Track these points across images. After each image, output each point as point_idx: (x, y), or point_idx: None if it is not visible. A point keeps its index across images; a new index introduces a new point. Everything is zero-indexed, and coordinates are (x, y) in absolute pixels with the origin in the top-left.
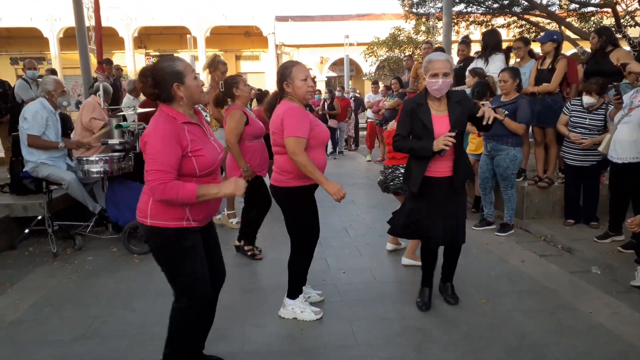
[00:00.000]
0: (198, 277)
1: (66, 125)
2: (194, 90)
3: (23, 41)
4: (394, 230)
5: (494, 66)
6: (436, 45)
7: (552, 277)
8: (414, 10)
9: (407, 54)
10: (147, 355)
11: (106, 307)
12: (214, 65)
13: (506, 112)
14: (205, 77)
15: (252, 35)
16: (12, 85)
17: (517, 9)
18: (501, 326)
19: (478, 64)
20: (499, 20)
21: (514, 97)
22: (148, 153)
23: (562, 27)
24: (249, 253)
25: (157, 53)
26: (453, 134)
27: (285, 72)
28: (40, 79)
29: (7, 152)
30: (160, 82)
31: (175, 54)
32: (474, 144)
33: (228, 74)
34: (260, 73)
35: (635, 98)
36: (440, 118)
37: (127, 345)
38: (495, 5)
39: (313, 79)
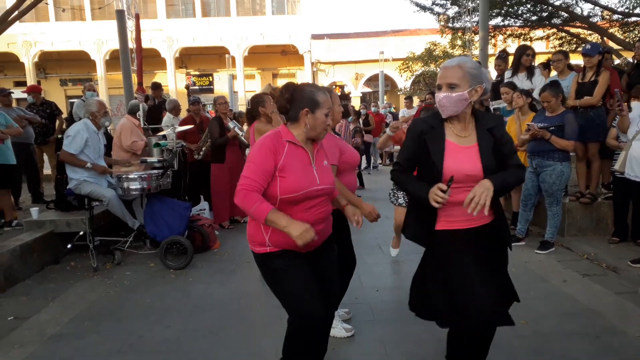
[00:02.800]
0: (297, 297)
1: (111, 144)
2: (319, 124)
3: (72, 63)
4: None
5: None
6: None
7: (597, 298)
8: (450, 24)
9: None
10: None
11: (142, 322)
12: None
13: (551, 128)
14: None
15: (288, 54)
16: (58, 107)
17: (557, 21)
18: (543, 350)
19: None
20: (538, 33)
21: (560, 112)
22: (247, 161)
23: (605, 38)
24: None
25: (197, 73)
26: (444, 187)
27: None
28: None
29: (54, 170)
30: (295, 101)
31: (215, 73)
32: None
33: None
34: None
35: None
36: (463, 149)
37: None
38: (534, 18)
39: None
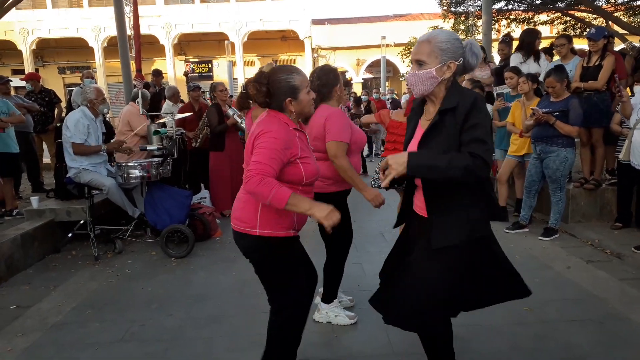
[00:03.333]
0: (303, 288)
1: (111, 132)
2: (304, 105)
3: (70, 51)
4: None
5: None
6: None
7: (601, 284)
8: (453, 9)
9: None
10: None
11: (144, 311)
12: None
13: (556, 114)
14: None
15: (288, 40)
16: (57, 95)
17: (561, 5)
18: (546, 336)
19: (515, 61)
20: (542, 17)
21: (565, 97)
22: (259, 147)
23: (610, 22)
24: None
25: (196, 59)
26: (378, 169)
27: (337, 75)
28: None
29: (53, 158)
30: (274, 94)
31: (214, 60)
32: (516, 145)
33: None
34: None
35: None
36: (420, 132)
37: (164, 349)
38: (538, 2)
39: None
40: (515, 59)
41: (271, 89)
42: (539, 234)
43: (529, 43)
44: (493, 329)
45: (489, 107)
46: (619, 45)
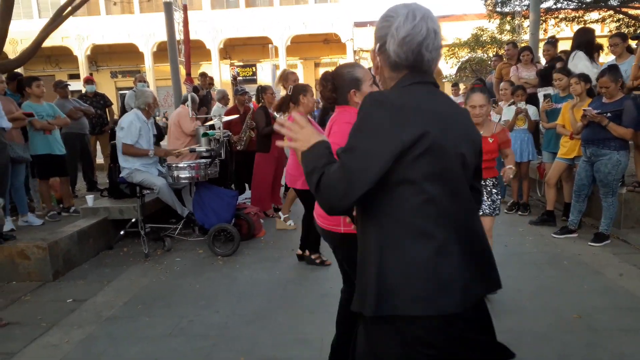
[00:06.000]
0: None
1: (161, 134)
2: None
3: (121, 56)
4: None
5: (579, 66)
6: (522, 45)
7: None
8: (498, 9)
9: (492, 54)
10: (229, 356)
11: (192, 307)
12: (285, 78)
13: (608, 115)
14: (281, 92)
15: (330, 42)
16: (109, 98)
17: (614, 2)
18: (597, 345)
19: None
20: (593, 15)
21: (618, 98)
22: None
23: None
24: (318, 261)
25: (241, 63)
26: None
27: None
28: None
29: (107, 159)
30: (339, 87)
31: (258, 64)
32: (566, 147)
33: (308, 81)
34: None
35: None
36: None
37: (211, 345)
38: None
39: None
40: (582, 58)
41: (336, 83)
42: (588, 239)
43: (587, 41)
44: (540, 336)
45: (534, 108)
46: None
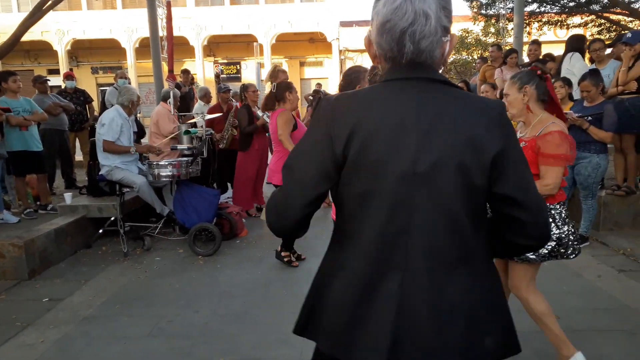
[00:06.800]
0: None
1: (142, 130)
2: None
3: (103, 51)
4: None
5: (576, 67)
6: (506, 48)
7: (633, 294)
8: (483, 11)
9: (476, 56)
10: (209, 356)
11: (172, 307)
12: (275, 75)
13: (589, 118)
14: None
15: (316, 42)
16: (89, 94)
17: (596, 7)
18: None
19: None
20: (575, 20)
21: (599, 102)
22: None
23: None
24: (286, 259)
25: (225, 61)
26: None
27: (359, 75)
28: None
29: (86, 156)
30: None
31: (243, 62)
32: None
33: (293, 80)
34: (324, 79)
35: None
36: None
37: (191, 345)
38: (571, 4)
39: None
40: (579, 59)
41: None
42: None
43: (580, 48)
44: (521, 336)
45: None
46: None
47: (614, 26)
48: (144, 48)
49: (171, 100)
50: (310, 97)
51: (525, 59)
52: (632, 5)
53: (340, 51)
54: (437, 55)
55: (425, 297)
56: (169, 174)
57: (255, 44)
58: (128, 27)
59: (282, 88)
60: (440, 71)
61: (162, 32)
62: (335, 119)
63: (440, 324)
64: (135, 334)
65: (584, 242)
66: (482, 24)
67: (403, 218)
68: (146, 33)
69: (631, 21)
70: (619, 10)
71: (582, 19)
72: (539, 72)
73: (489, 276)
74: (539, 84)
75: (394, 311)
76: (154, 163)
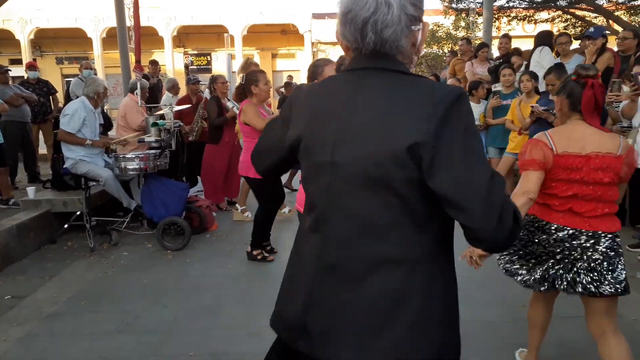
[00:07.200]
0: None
1: (109, 123)
2: None
3: (68, 41)
4: None
5: (545, 60)
6: (476, 42)
7: None
8: (454, 5)
9: (446, 50)
10: (178, 352)
11: (139, 302)
12: (246, 67)
13: (554, 111)
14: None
15: (288, 33)
16: (53, 85)
17: (562, 3)
18: None
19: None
20: (543, 15)
21: None
22: None
23: (610, 21)
24: (259, 257)
25: (195, 52)
26: None
27: (317, 70)
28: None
29: (50, 149)
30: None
31: (213, 53)
32: (514, 142)
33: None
34: (296, 71)
35: None
36: None
37: (159, 340)
38: None
39: None
40: (548, 53)
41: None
42: None
43: (548, 44)
44: (489, 325)
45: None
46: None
47: (579, 22)
48: (112, 38)
49: (138, 91)
50: (282, 90)
51: (496, 53)
52: (596, 2)
53: (312, 43)
54: (405, 45)
55: (334, 291)
56: (136, 167)
57: (226, 35)
58: (95, 16)
59: (248, 80)
60: (415, 61)
61: (129, 22)
62: (293, 106)
63: (346, 318)
64: (101, 330)
65: None
66: (453, 18)
67: (324, 206)
68: (114, 22)
69: (596, 17)
70: (584, 6)
71: (549, 14)
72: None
73: (414, 274)
74: None
75: (307, 294)
76: (121, 156)
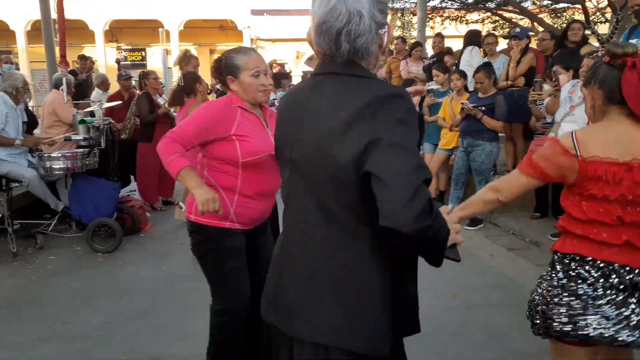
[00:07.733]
0: (235, 282)
1: (35, 121)
2: (245, 87)
3: None
4: None
5: (475, 60)
6: (411, 41)
7: (520, 270)
8: (390, 4)
9: None
10: (108, 356)
11: (67, 308)
12: (186, 60)
13: (483, 108)
14: (176, 73)
15: (226, 29)
16: None
17: (491, 5)
18: (469, 320)
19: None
20: (473, 16)
21: (491, 93)
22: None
23: (534, 24)
24: None
25: (129, 47)
26: None
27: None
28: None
29: None
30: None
31: (148, 48)
32: (446, 139)
33: (202, 68)
34: None
35: (574, 94)
36: None
37: (90, 346)
38: (470, 1)
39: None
40: (478, 53)
41: (222, 65)
42: (465, 224)
43: (476, 43)
44: (420, 315)
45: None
46: None
47: (507, 23)
48: (37, 31)
49: (64, 87)
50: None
51: (430, 52)
52: (522, 5)
53: (251, 40)
54: (374, 51)
55: (294, 270)
56: (63, 166)
57: (161, 29)
58: (18, 8)
59: (190, 80)
60: (380, 59)
61: (54, 14)
62: (277, 112)
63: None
64: (25, 340)
65: (479, 224)
66: (389, 17)
67: (285, 196)
68: (38, 15)
69: (521, 19)
70: (511, 8)
71: (479, 15)
72: None
73: (358, 264)
74: None
75: (276, 275)
76: (45, 155)
